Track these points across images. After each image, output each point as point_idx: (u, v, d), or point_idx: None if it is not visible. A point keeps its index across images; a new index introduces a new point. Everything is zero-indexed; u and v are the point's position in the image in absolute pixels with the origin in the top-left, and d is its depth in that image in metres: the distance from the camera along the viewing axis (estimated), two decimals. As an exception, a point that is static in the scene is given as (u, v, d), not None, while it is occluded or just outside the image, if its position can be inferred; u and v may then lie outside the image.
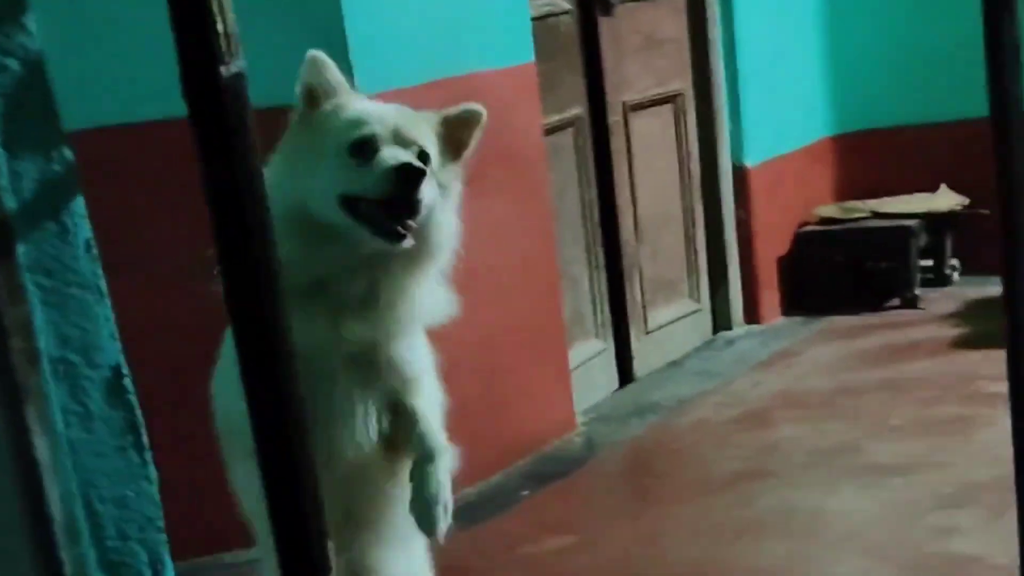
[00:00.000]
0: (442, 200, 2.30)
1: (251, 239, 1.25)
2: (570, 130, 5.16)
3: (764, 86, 6.05)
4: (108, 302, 1.12)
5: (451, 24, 4.23)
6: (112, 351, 1.12)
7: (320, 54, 2.33)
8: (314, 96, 2.30)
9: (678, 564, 3.71)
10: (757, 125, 6.03)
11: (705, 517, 4.02)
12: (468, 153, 2.39)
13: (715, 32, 5.85)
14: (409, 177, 2.15)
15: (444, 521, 2.32)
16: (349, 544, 2.45)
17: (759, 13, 6.01)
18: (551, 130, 4.95)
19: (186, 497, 3.75)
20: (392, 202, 2.16)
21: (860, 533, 3.75)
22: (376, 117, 2.26)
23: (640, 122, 5.53)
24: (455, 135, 2.35)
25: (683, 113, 5.81)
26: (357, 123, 2.23)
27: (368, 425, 2.36)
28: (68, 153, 1.10)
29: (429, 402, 2.43)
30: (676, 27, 5.77)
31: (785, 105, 6.26)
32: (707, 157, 5.93)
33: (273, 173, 2.14)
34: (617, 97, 5.41)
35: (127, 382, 1.14)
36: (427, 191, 2.20)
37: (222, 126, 1.17)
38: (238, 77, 1.26)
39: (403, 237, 2.17)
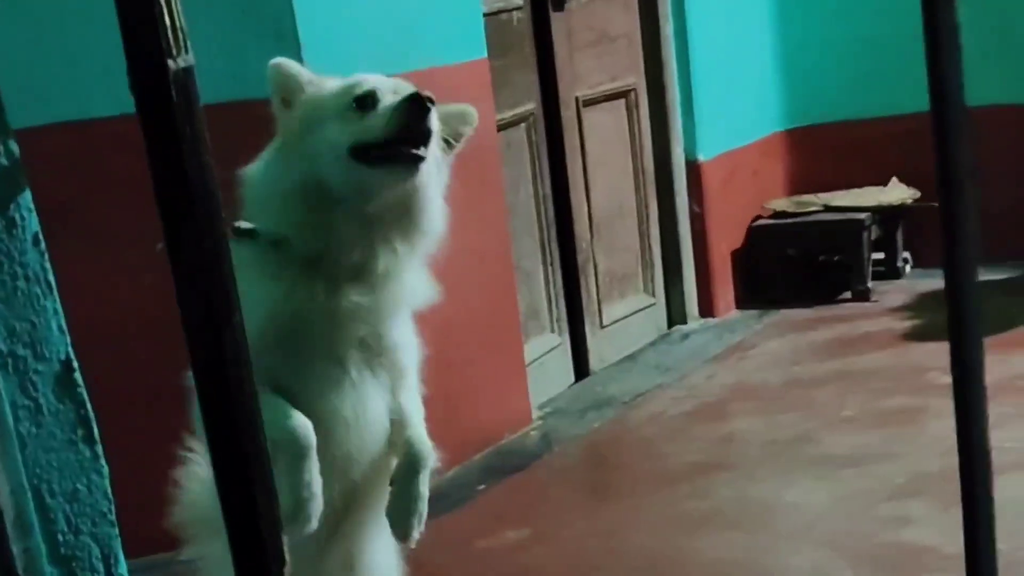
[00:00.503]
0: (436, 177, 2.35)
1: (201, 233, 1.25)
2: (523, 125, 5.17)
3: (717, 81, 6.09)
4: (56, 295, 1.11)
5: (403, 20, 4.23)
6: (61, 344, 1.12)
7: (279, 62, 2.39)
8: (288, 99, 2.37)
9: (635, 556, 3.73)
10: (710, 120, 6.06)
11: (662, 509, 4.04)
12: (457, 149, 2.45)
13: (667, 27, 5.87)
14: (419, 104, 2.18)
15: (418, 530, 2.35)
16: (343, 531, 2.47)
17: (711, 8, 6.04)
18: (504, 126, 4.96)
19: (141, 493, 3.74)
20: (404, 139, 2.19)
21: (814, 524, 3.78)
22: (372, 77, 2.33)
23: (593, 117, 5.55)
24: (449, 129, 2.39)
25: (636, 108, 5.83)
26: (356, 84, 2.29)
27: (380, 414, 2.39)
28: (14, 146, 1.10)
29: (416, 402, 2.46)
30: (628, 22, 5.79)
31: (738, 100, 6.29)
32: (660, 152, 5.95)
33: (266, 163, 2.28)
34: (570, 92, 5.42)
35: (77, 376, 1.13)
36: (434, 123, 2.23)
37: (170, 120, 1.18)
38: (186, 72, 1.26)
39: (420, 159, 2.20)
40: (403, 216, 2.31)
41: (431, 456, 2.39)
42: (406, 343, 2.44)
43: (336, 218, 2.25)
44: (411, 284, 2.41)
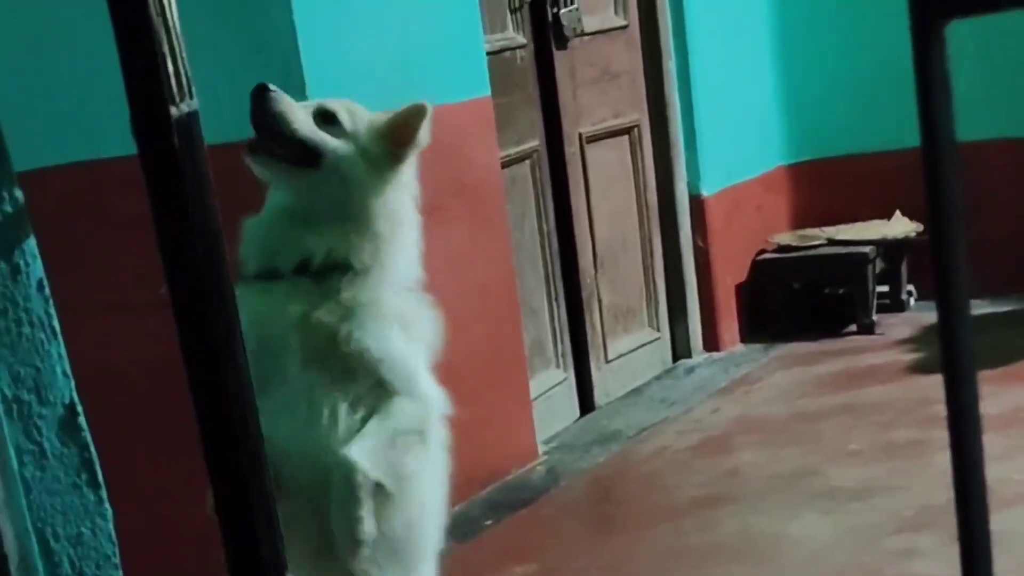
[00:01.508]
0: (368, 169, 2.52)
1: (203, 278, 1.26)
2: (527, 162, 5.20)
3: (719, 116, 6.11)
4: (61, 340, 1.13)
5: (407, 60, 4.26)
6: (65, 389, 1.13)
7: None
8: None
9: (640, 592, 3.73)
10: (713, 155, 6.08)
11: (667, 543, 4.04)
12: (417, 143, 2.59)
13: (670, 64, 5.90)
14: (257, 91, 2.49)
15: (354, 552, 2.38)
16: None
17: (713, 45, 6.07)
18: (509, 162, 4.98)
19: (145, 536, 3.75)
20: (257, 126, 2.50)
21: (820, 557, 3.78)
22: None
23: (597, 153, 5.57)
24: (403, 128, 2.57)
25: (639, 144, 5.85)
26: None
27: (330, 425, 2.40)
28: (19, 193, 1.11)
29: (395, 416, 2.46)
30: (631, 59, 5.82)
31: (740, 135, 6.32)
32: (664, 187, 5.97)
33: None
34: (574, 129, 5.45)
35: (81, 420, 1.15)
36: (296, 116, 2.50)
37: (172, 166, 1.19)
38: (190, 117, 1.28)
39: (254, 149, 2.50)
40: (335, 215, 2.49)
41: (355, 470, 2.39)
42: (387, 356, 2.48)
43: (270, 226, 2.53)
44: (384, 297, 2.49)
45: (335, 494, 2.38)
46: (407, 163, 2.59)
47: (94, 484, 1.14)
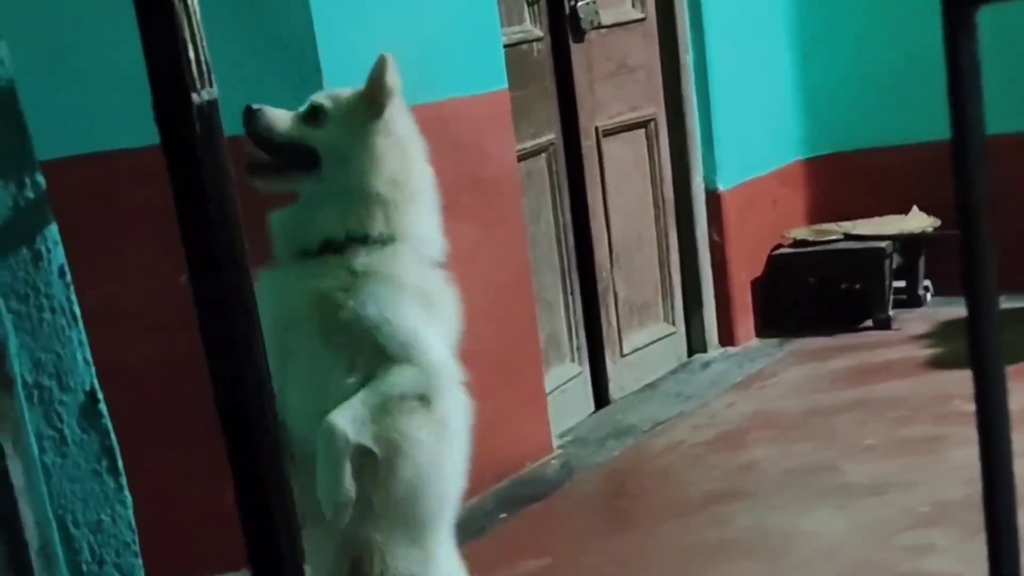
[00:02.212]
0: (354, 137, 2.62)
1: (223, 263, 1.26)
2: (543, 156, 5.19)
3: (736, 110, 6.09)
4: (82, 326, 1.13)
5: (424, 53, 4.25)
6: (86, 375, 1.13)
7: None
8: None
9: (655, 586, 3.73)
10: (729, 149, 6.07)
11: (680, 538, 4.03)
12: (387, 91, 2.68)
13: (687, 57, 5.89)
14: (244, 114, 2.60)
15: (335, 511, 2.43)
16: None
17: (730, 38, 6.05)
18: (525, 156, 4.98)
19: (163, 527, 3.75)
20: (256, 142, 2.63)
21: (834, 552, 3.77)
22: None
23: (613, 147, 5.57)
24: (372, 84, 2.69)
25: (656, 138, 5.84)
26: None
27: (330, 392, 2.49)
28: (41, 180, 1.11)
29: (390, 381, 2.50)
30: (648, 52, 5.81)
31: (757, 129, 6.30)
32: (680, 181, 5.96)
33: None
34: (590, 123, 5.44)
35: (101, 407, 1.14)
36: (281, 126, 2.62)
37: (193, 152, 1.19)
38: (210, 105, 1.28)
39: (253, 169, 2.61)
40: (345, 193, 2.59)
41: (334, 434, 2.43)
42: (390, 323, 2.53)
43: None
44: (403, 269, 2.58)
45: (318, 458, 2.42)
46: (389, 114, 2.67)
47: (114, 471, 1.14)
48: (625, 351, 5.64)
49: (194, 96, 1.21)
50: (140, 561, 1.17)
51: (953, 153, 1.26)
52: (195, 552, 3.94)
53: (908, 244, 6.29)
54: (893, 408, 5.00)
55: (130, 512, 1.16)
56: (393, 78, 2.66)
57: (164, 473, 3.87)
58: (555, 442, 5.03)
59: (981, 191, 1.29)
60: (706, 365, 5.97)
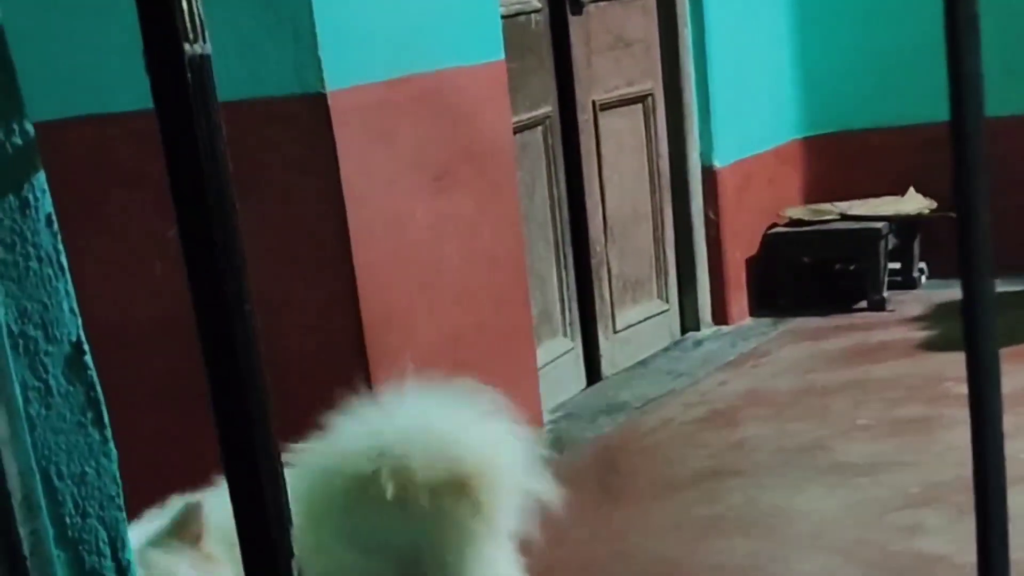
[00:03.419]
0: None
1: (213, 219, 1.24)
2: (539, 128, 5.16)
3: (734, 87, 6.07)
4: (69, 277, 1.11)
5: (421, 20, 4.22)
6: (72, 326, 1.11)
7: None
8: None
9: (645, 561, 3.72)
10: (727, 126, 6.05)
11: (671, 514, 4.03)
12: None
13: (685, 32, 5.86)
14: None
15: None
16: None
17: (729, 14, 6.03)
18: (520, 128, 4.95)
19: (149, 491, 3.73)
20: None
21: (826, 531, 3.77)
22: None
23: (610, 121, 5.54)
24: (187, 532, 2.52)
25: (653, 113, 5.82)
26: None
27: None
28: (29, 127, 1.09)
29: None
30: (646, 27, 5.78)
31: (755, 106, 6.28)
32: (676, 157, 5.94)
33: None
34: (587, 96, 5.41)
35: (87, 358, 1.13)
36: None
37: (185, 102, 1.17)
38: (203, 59, 1.25)
39: None
40: None
41: None
42: None
43: None
44: None
45: None
46: None
47: (99, 423, 1.12)
48: (618, 327, 5.63)
49: (186, 46, 1.19)
50: (124, 515, 1.15)
51: (952, 132, 1.25)
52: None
53: (904, 226, 6.28)
54: (886, 389, 5.00)
55: (115, 465, 1.14)
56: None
57: (152, 437, 3.86)
58: (546, 417, 5.01)
59: (979, 171, 1.28)
60: (699, 343, 5.96)
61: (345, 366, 3.95)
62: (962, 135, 1.27)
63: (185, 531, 2.48)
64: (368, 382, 3.69)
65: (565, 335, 5.35)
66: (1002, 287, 6.11)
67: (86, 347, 1.12)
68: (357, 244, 3.94)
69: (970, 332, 1.33)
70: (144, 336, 3.91)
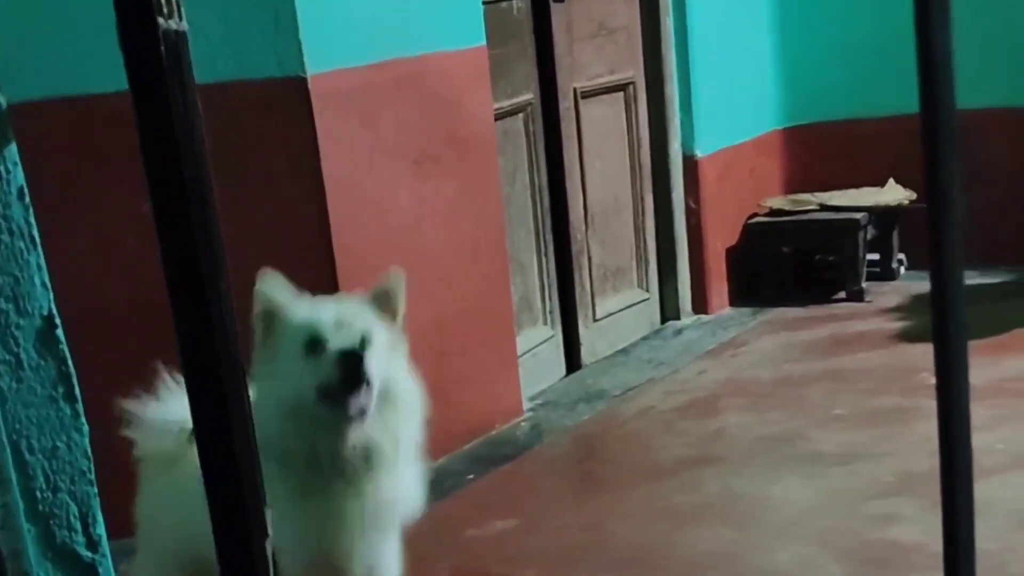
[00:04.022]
0: (397, 363, 2.60)
1: (187, 196, 1.23)
2: (521, 115, 5.16)
3: (715, 77, 6.08)
4: (40, 251, 1.10)
5: (402, 5, 4.21)
6: (44, 300, 1.10)
7: (263, 287, 2.58)
8: (269, 317, 2.58)
9: (622, 548, 3.72)
10: (708, 116, 6.05)
11: (649, 502, 4.03)
12: (403, 314, 2.65)
13: (667, 21, 5.86)
14: (351, 361, 2.46)
15: None
16: None
17: (711, 4, 6.03)
18: (502, 115, 4.95)
19: (120, 474, 3.72)
20: (348, 384, 2.47)
21: (802, 520, 3.78)
22: (319, 317, 2.54)
23: (591, 109, 5.54)
24: (387, 304, 2.63)
25: (634, 101, 5.82)
26: (305, 326, 2.54)
27: None
28: (1, 99, 1.08)
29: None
30: (628, 15, 5.77)
31: (736, 96, 6.29)
32: (658, 146, 5.94)
33: (260, 384, 2.49)
34: (568, 83, 5.41)
35: (59, 332, 1.12)
36: (375, 366, 2.49)
37: (160, 77, 1.16)
38: (179, 35, 1.24)
39: (362, 416, 2.48)
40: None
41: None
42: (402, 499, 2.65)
43: (323, 431, 2.52)
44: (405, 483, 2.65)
45: None
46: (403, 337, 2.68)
47: (71, 398, 1.12)
48: (598, 315, 5.63)
49: (160, 21, 1.18)
50: (95, 490, 1.14)
51: (922, 130, 1.25)
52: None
53: (883, 217, 6.29)
54: (863, 379, 5.01)
55: (86, 440, 1.14)
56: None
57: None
58: (525, 404, 5.02)
59: (950, 167, 1.28)
60: (679, 332, 5.97)
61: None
62: (932, 119, 1.27)
63: (385, 302, 2.61)
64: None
65: (545, 323, 5.35)
66: (982, 279, 6.20)
67: (58, 321, 1.11)
68: (337, 228, 3.94)
69: (939, 318, 1.33)
70: (119, 312, 3.90)
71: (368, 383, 2.47)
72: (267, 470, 2.32)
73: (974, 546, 1.41)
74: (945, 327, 1.36)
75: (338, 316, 2.54)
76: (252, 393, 2.44)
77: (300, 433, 2.51)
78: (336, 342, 2.48)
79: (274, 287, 2.59)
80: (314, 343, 2.50)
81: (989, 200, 6.19)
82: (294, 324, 2.54)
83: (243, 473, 1.35)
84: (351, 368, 2.46)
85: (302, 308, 2.57)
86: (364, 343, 2.50)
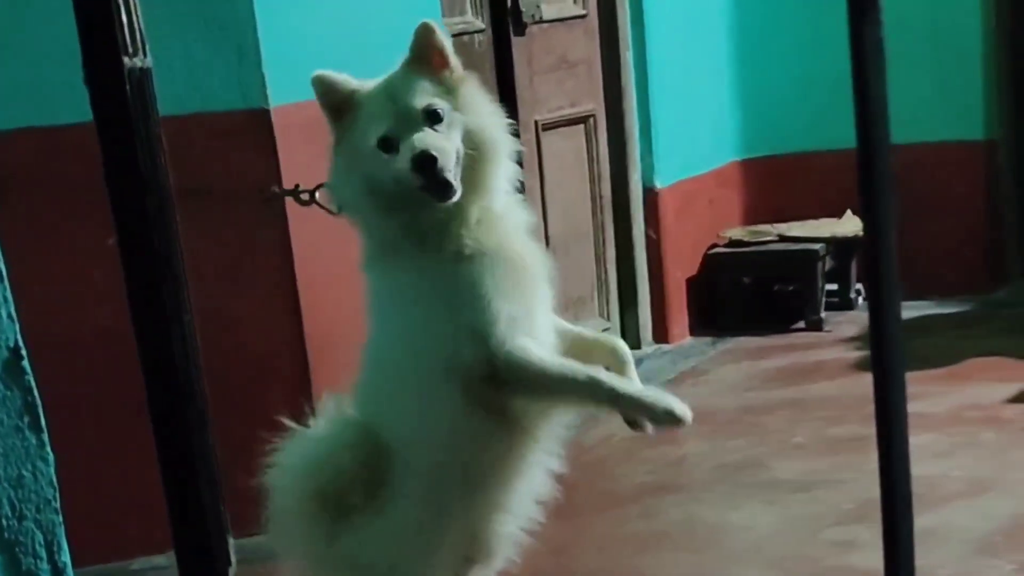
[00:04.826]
0: (467, 114, 2.52)
1: (150, 227, 1.26)
2: (483, 148, 5.18)
3: (675, 109, 6.13)
4: (7, 283, 1.12)
5: (365, 39, 4.23)
6: (10, 331, 1.12)
7: (319, 75, 2.58)
8: (333, 108, 2.58)
9: (586, 573, 3.74)
10: (667, 147, 6.10)
11: (610, 529, 4.05)
12: (452, 58, 2.61)
13: (627, 54, 5.91)
14: (425, 164, 2.40)
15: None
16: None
17: (671, 37, 6.09)
18: (464, 147, 4.97)
19: (89, 501, 3.72)
20: (429, 186, 2.42)
21: (762, 546, 3.80)
22: (381, 110, 2.50)
23: (552, 141, 5.58)
24: (429, 59, 2.61)
25: (595, 133, 5.86)
26: (370, 128, 2.50)
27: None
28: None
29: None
30: (588, 48, 5.83)
31: (695, 128, 6.34)
32: (618, 177, 5.98)
33: (336, 173, 2.60)
34: (529, 116, 5.45)
35: (25, 363, 1.14)
36: (448, 143, 2.44)
37: (125, 114, 1.19)
38: (143, 72, 1.28)
39: (451, 192, 2.42)
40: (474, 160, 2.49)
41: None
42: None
43: (418, 205, 2.46)
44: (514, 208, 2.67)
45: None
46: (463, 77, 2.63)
47: (36, 427, 1.14)
48: (559, 345, 5.64)
49: (126, 60, 1.21)
50: (60, 518, 1.16)
51: (858, 165, 1.29)
52: (124, 535, 3.93)
53: (841, 247, 6.35)
54: (823, 408, 5.05)
55: (52, 469, 1.16)
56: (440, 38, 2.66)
57: (93, 455, 3.84)
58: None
59: (886, 203, 1.32)
60: (639, 361, 5.96)
61: (287, 382, 3.95)
62: (868, 155, 1.32)
63: (427, 58, 2.61)
64: (310, 397, 3.70)
65: (507, 352, 5.36)
66: (938, 310, 6.24)
67: (24, 352, 1.13)
68: (300, 259, 3.96)
69: (877, 352, 1.37)
70: (86, 345, 3.90)
71: (447, 180, 2.42)
72: None
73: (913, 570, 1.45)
74: (882, 343, 1.40)
75: (399, 107, 2.49)
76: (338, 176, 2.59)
77: (394, 208, 2.48)
78: (407, 142, 2.43)
79: (328, 79, 2.59)
80: (384, 144, 2.47)
81: (944, 232, 6.27)
82: (360, 126, 2.53)
83: (207, 501, 1.38)
84: (426, 169, 2.41)
85: (365, 98, 2.56)
86: (432, 117, 2.47)
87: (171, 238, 1.19)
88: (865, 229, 1.30)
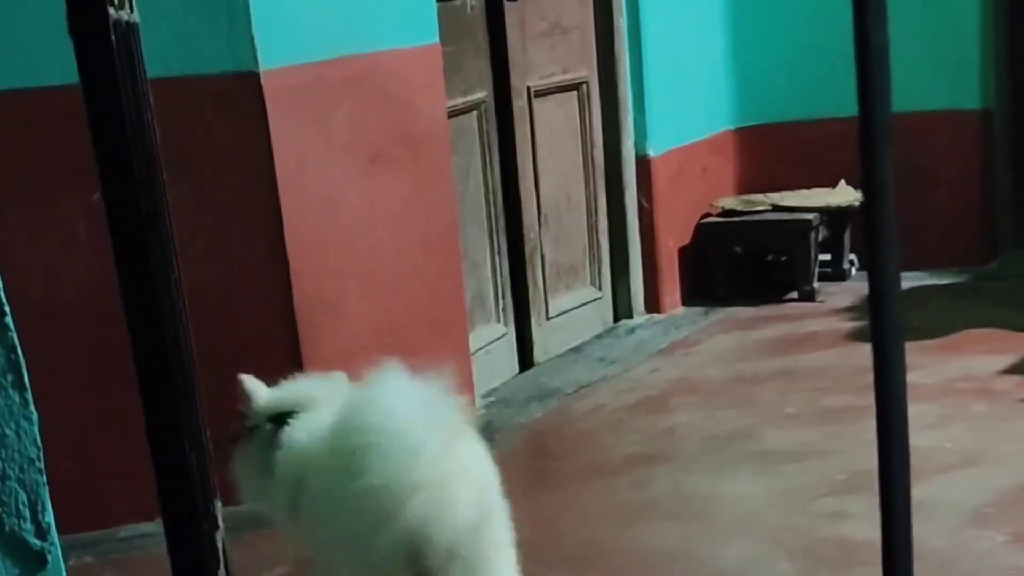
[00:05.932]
0: None
1: (138, 189, 1.23)
2: (474, 113, 5.16)
3: (668, 77, 6.10)
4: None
5: (356, 1, 4.21)
6: (-8, 289, 1.10)
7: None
8: None
9: (574, 545, 3.73)
10: (661, 115, 6.07)
11: (601, 499, 4.04)
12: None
13: (621, 20, 5.88)
14: None
15: None
16: None
17: (665, 3, 6.05)
18: (455, 113, 4.95)
19: (80, 468, 3.71)
20: None
21: (752, 517, 3.80)
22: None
23: (544, 108, 5.55)
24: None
25: (588, 100, 5.83)
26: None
27: None
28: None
29: None
30: (582, 14, 5.79)
31: (689, 96, 6.31)
32: (611, 145, 5.96)
33: None
34: (522, 82, 5.42)
35: (8, 320, 1.11)
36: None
37: (111, 67, 1.16)
38: (130, 26, 1.24)
39: None
40: None
41: None
42: None
43: None
44: None
45: None
46: None
47: (19, 386, 1.11)
48: (551, 314, 5.64)
49: (111, 11, 1.18)
50: (44, 478, 1.14)
51: (860, 135, 1.27)
52: (111, 503, 3.91)
53: (834, 217, 6.33)
54: (815, 378, 5.04)
55: (35, 428, 1.13)
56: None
57: (80, 422, 3.83)
58: (478, 402, 5.02)
59: (885, 169, 1.30)
60: (631, 331, 5.99)
61: (277, 349, 3.93)
62: (868, 116, 1.29)
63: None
64: (300, 366, 3.69)
65: (498, 321, 5.36)
66: (932, 280, 6.24)
67: (7, 308, 1.11)
68: (290, 226, 3.93)
69: (876, 324, 1.35)
70: (72, 310, 3.87)
71: None
72: None
73: (911, 542, 1.43)
74: (881, 315, 1.37)
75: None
76: None
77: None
78: None
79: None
80: None
81: (938, 203, 6.25)
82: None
83: (194, 467, 1.35)
84: None
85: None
86: None
87: (158, 198, 1.15)
88: (864, 192, 1.27)
